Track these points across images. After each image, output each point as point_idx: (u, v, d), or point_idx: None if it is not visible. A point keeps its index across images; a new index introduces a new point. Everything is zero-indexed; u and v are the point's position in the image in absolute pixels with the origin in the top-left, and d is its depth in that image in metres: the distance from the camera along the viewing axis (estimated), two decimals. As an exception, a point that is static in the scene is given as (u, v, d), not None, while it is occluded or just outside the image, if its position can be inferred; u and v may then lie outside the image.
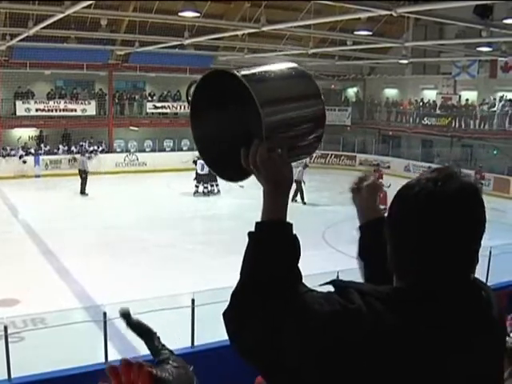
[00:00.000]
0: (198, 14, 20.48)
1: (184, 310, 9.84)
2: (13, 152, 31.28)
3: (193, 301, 9.67)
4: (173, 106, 35.49)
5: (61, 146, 32.78)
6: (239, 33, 24.06)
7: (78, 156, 29.79)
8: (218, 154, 1.91)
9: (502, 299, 11.83)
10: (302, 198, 25.30)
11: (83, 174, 26.91)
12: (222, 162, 1.89)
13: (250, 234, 1.70)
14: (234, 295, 1.68)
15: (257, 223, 1.71)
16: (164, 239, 18.60)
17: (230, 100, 1.85)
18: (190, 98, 1.90)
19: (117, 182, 29.63)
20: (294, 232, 1.70)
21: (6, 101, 32.09)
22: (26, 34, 23.19)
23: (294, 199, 23.84)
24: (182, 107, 34.31)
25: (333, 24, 26.47)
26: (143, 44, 27.42)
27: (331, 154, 37.33)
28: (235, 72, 1.75)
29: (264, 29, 20.72)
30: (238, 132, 1.81)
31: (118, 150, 34.56)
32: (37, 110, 32.22)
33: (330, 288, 1.59)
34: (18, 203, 24.19)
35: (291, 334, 1.54)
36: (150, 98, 35.73)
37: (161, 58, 30.82)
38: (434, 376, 1.48)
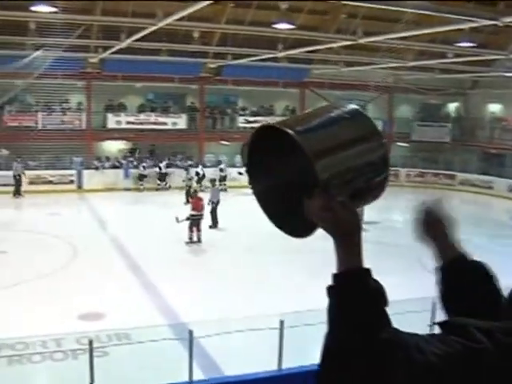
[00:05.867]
0: (292, 26, 20.13)
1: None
2: (106, 164, 31.90)
3: (281, 322, 9.37)
4: (265, 121, 34.71)
5: (148, 161, 32.77)
6: (335, 45, 23.42)
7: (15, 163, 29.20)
8: (281, 209, 1.86)
9: None
10: (214, 221, 22.38)
11: (17, 177, 28.71)
12: (287, 217, 1.83)
13: (329, 288, 1.58)
14: (325, 359, 1.51)
15: (334, 275, 1.59)
16: (254, 257, 18.13)
17: (285, 153, 1.80)
18: (245, 161, 1.89)
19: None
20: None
21: (96, 113, 32.51)
22: (118, 47, 23.39)
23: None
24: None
25: (433, 35, 25.54)
26: (236, 57, 27.11)
27: (429, 173, 36.08)
28: (284, 128, 1.69)
29: (361, 41, 20.07)
30: (298, 184, 1.75)
31: (208, 164, 33.97)
32: (127, 123, 32.57)
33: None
34: (106, 216, 24.28)
35: None
36: (242, 112, 35.37)
37: (253, 71, 30.37)
38: None
